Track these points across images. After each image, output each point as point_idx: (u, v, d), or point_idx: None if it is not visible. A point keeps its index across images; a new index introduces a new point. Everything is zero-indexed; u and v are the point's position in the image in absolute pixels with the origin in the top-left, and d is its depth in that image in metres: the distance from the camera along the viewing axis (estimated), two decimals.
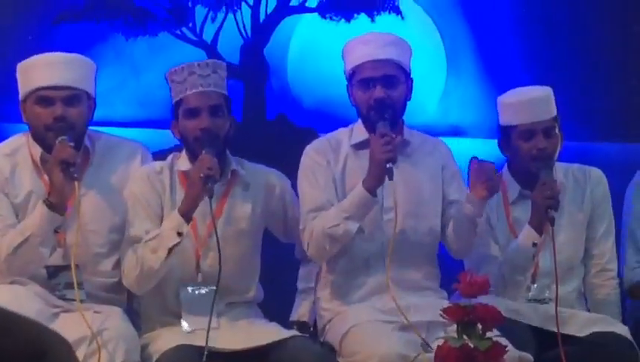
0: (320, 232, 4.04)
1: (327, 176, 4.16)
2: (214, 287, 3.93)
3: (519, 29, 6.14)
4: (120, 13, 5.80)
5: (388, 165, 3.95)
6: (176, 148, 4.33)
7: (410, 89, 4.22)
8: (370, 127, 4.13)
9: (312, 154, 4.22)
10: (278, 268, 4.46)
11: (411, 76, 4.24)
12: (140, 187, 4.08)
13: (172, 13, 5.92)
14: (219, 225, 3.95)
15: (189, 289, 4.02)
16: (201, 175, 3.84)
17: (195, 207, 3.92)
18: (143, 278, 3.97)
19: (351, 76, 4.20)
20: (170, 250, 3.89)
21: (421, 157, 4.27)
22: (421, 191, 4.22)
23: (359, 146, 4.19)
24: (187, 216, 3.91)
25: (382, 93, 4.10)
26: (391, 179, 3.97)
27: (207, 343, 3.73)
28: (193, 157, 3.99)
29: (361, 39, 4.33)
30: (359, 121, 4.22)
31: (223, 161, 4.03)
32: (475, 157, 4.02)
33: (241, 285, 4.13)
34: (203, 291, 4.01)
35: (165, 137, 4.94)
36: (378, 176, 3.98)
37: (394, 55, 4.19)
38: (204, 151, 3.90)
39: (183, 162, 4.09)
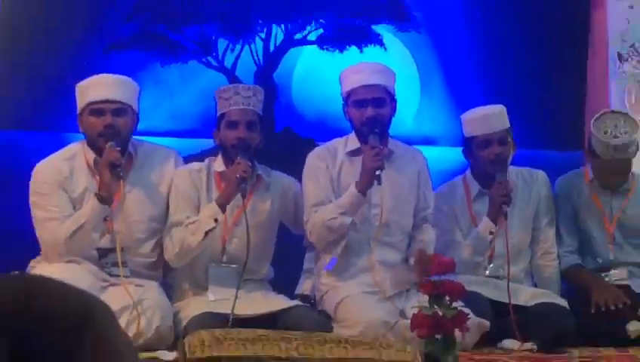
0: (320, 223, 4.04)
1: (327, 178, 4.15)
2: (235, 266, 3.97)
3: (479, 58, 6.14)
4: (157, 45, 5.82)
5: (377, 172, 3.96)
6: (202, 154, 4.34)
7: (394, 108, 4.22)
8: (362, 138, 4.12)
9: (314, 159, 4.22)
10: (286, 253, 4.44)
11: (395, 98, 4.23)
12: (182, 183, 4.09)
13: (199, 45, 5.92)
14: (243, 217, 3.97)
15: (215, 267, 4.04)
16: (237, 175, 3.86)
17: (229, 200, 3.95)
18: (181, 254, 3.99)
19: (347, 97, 4.19)
20: (206, 233, 3.92)
21: (403, 165, 4.26)
22: (402, 192, 4.22)
23: (352, 153, 4.18)
24: (223, 206, 3.94)
25: (372, 112, 4.09)
26: (379, 183, 3.98)
27: (233, 310, 3.74)
28: (228, 160, 4.01)
29: (355, 68, 4.34)
30: (352, 132, 4.21)
31: (251, 167, 4.03)
32: None
33: (257, 265, 4.12)
34: (226, 269, 4.03)
35: (193, 144, 4.93)
36: (369, 181, 3.99)
37: (382, 81, 4.18)
38: (239, 157, 3.92)
39: (218, 164, 4.10)
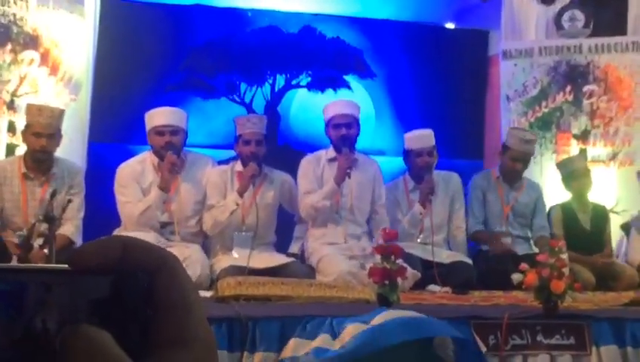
0: (309, 206, 4.04)
1: (313, 175, 4.15)
2: (250, 233, 3.94)
3: (414, 96, 6.15)
4: (199, 87, 5.81)
5: (348, 171, 3.99)
6: (229, 160, 4.33)
7: (359, 130, 4.22)
8: (337, 149, 4.13)
9: (305, 163, 4.22)
10: (285, 225, 4.44)
11: (360, 123, 4.23)
12: (216, 178, 4.08)
13: (227, 87, 5.92)
14: (256, 201, 3.96)
15: (238, 234, 4.02)
16: (249, 175, 3.89)
17: (245, 190, 3.94)
18: (215, 226, 3.98)
19: (328, 122, 4.19)
20: (231, 212, 3.92)
21: (364, 169, 4.26)
22: (363, 186, 4.22)
23: (331, 160, 4.18)
24: (241, 194, 3.94)
25: (345, 132, 4.11)
26: (349, 178, 4.02)
27: (248, 263, 3.73)
28: (244, 164, 4.00)
29: (334, 103, 4.36)
30: (331, 146, 4.21)
31: (260, 168, 4.03)
32: None
33: (265, 234, 4.12)
34: (245, 236, 4.00)
35: (223, 153, 4.92)
36: (342, 177, 4.01)
37: (352, 111, 4.20)
38: (250, 163, 3.93)
39: (238, 166, 4.10)
